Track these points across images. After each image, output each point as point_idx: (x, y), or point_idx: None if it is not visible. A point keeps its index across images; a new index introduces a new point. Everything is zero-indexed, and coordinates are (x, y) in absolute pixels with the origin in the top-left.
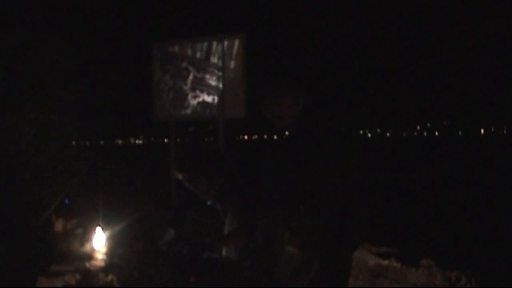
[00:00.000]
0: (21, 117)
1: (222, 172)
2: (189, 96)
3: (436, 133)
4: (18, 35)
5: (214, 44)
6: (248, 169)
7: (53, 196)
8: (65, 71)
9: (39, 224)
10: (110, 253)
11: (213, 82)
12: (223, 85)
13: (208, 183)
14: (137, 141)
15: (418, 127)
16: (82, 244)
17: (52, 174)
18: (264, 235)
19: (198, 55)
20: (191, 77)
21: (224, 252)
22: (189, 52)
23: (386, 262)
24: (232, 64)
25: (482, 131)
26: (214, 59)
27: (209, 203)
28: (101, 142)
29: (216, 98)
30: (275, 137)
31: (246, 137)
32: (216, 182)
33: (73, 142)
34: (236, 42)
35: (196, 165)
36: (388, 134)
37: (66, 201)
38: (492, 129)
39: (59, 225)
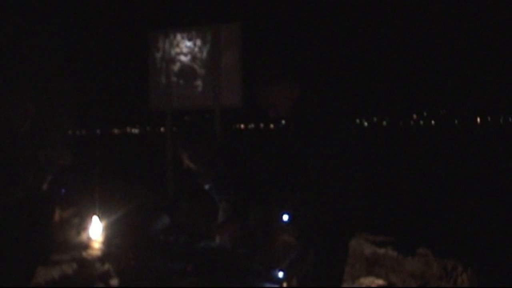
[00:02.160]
0: (18, 108)
1: (220, 156)
2: (185, 85)
3: (433, 122)
4: (12, 26)
5: (210, 33)
6: (244, 158)
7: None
8: (60, 61)
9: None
10: (107, 242)
11: (209, 71)
12: (219, 74)
13: (207, 165)
14: (133, 130)
15: (415, 116)
16: (78, 233)
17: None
18: (259, 223)
19: (194, 44)
20: (187, 66)
21: (219, 240)
22: (185, 41)
23: (382, 250)
24: (228, 53)
25: (479, 120)
26: (210, 48)
27: (206, 187)
28: (97, 131)
29: (212, 87)
30: (272, 126)
31: (242, 126)
32: (214, 164)
33: (69, 132)
34: (232, 31)
35: (197, 144)
36: (384, 123)
37: (62, 190)
38: (489, 118)
39: (55, 215)
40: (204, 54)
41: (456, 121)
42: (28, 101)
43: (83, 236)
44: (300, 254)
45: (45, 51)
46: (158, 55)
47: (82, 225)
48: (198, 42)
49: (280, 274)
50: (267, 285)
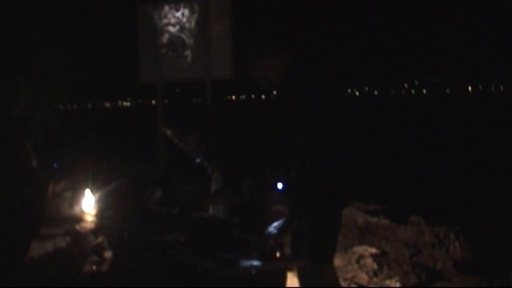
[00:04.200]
0: (14, 84)
1: (211, 130)
2: (176, 57)
3: (424, 91)
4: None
5: (200, 4)
6: (236, 128)
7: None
8: (51, 36)
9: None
10: (100, 215)
11: (198, 41)
12: (210, 46)
13: (197, 139)
14: (124, 104)
15: (406, 85)
16: (71, 206)
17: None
18: (251, 193)
19: (182, 14)
20: (175, 37)
21: (211, 211)
22: (175, 13)
23: (375, 219)
24: (218, 24)
25: (470, 88)
26: (198, 18)
27: (197, 161)
28: (89, 105)
29: (202, 59)
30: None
31: (233, 97)
32: (205, 139)
33: (61, 106)
34: (222, 2)
35: (185, 121)
36: (376, 92)
37: (55, 164)
38: (480, 87)
39: (48, 189)
40: (193, 24)
41: (447, 90)
42: (25, 77)
43: (76, 210)
44: (291, 222)
45: (35, 26)
46: (147, 27)
47: (74, 199)
48: (186, 12)
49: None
50: (260, 254)
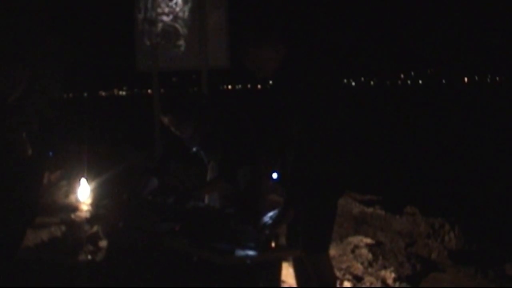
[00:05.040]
0: (9, 72)
1: (207, 118)
2: (172, 46)
3: (420, 82)
4: None
5: None
6: (232, 117)
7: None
8: (46, 24)
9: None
10: (95, 204)
11: (192, 31)
12: (206, 35)
13: (193, 127)
14: (120, 93)
15: (402, 76)
16: (66, 195)
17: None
18: (246, 182)
19: (176, 5)
20: (171, 28)
21: (207, 200)
22: (168, 2)
23: (370, 209)
24: (214, 13)
25: (466, 79)
26: (191, 7)
27: (193, 150)
28: (85, 94)
29: (199, 47)
30: (259, 86)
31: (229, 86)
32: (201, 127)
33: (56, 95)
34: None
35: (182, 109)
36: (372, 83)
37: (50, 153)
38: (476, 78)
39: (43, 178)
40: (186, 14)
41: (443, 81)
42: (20, 65)
43: (71, 199)
44: (287, 212)
45: (30, 14)
46: (141, 16)
47: (70, 188)
48: (179, 1)
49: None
50: (255, 244)
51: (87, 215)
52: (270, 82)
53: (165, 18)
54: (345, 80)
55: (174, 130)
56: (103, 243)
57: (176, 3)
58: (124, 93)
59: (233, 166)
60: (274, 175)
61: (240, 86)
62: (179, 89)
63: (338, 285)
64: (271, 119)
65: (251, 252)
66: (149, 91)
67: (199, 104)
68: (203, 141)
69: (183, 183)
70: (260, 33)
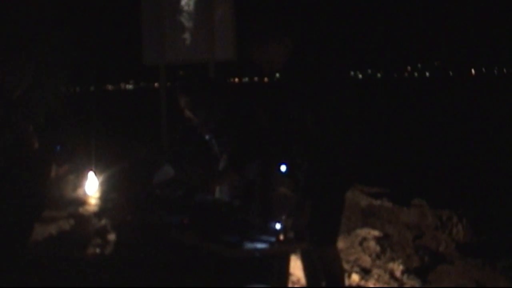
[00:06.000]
0: (16, 66)
1: (221, 103)
2: (179, 39)
3: (427, 74)
4: None
5: None
6: (244, 109)
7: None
8: (53, 18)
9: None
10: (103, 198)
11: (199, 25)
12: (213, 28)
13: (207, 111)
14: (127, 86)
15: (409, 68)
16: (74, 189)
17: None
18: (256, 175)
19: None
20: (180, 20)
21: (217, 194)
22: None
23: (378, 202)
24: (221, 6)
25: (473, 71)
26: (199, 2)
27: (206, 137)
28: (91, 87)
29: (206, 41)
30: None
31: (236, 79)
32: (214, 113)
33: (63, 89)
34: None
35: (198, 91)
36: (379, 75)
37: (58, 147)
38: (483, 70)
39: (51, 172)
40: (191, 7)
41: (450, 73)
42: (27, 59)
43: (79, 192)
44: (297, 206)
45: (37, 8)
46: (148, 9)
47: (78, 181)
48: None
49: (278, 226)
50: (264, 237)
51: (95, 208)
52: (277, 75)
53: (170, 11)
54: (352, 73)
55: (188, 114)
56: (111, 237)
57: None
58: (131, 86)
59: (243, 157)
60: (283, 168)
61: (247, 79)
62: (193, 76)
63: (346, 278)
64: (280, 112)
65: (259, 245)
66: (156, 84)
67: (214, 89)
68: (215, 128)
69: (194, 176)
70: (267, 28)
